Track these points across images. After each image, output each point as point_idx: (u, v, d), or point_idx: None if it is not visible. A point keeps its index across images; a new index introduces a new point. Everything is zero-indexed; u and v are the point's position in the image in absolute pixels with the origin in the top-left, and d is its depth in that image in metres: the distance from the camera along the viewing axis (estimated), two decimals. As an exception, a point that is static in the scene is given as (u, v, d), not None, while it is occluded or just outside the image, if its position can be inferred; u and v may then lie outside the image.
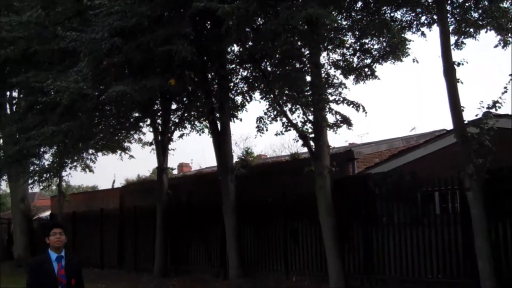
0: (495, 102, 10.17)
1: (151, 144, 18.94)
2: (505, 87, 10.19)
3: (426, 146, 13.13)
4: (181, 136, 18.37)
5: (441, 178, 11.54)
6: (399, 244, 12.00)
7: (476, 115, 10.46)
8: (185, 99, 17.12)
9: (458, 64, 10.46)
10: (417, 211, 11.99)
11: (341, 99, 12.76)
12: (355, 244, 12.81)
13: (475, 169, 9.93)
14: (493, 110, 10.33)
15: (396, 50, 13.08)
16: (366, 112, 12.75)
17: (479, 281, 10.02)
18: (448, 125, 12.67)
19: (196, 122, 18.21)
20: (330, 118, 12.67)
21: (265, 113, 13.52)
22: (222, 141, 15.17)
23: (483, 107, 10.26)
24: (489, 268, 9.78)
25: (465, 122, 10.39)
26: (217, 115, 15.15)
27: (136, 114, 17.64)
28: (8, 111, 22.85)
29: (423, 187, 11.95)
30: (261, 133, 13.61)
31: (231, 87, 15.42)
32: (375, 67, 13.29)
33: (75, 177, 79.28)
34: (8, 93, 22.86)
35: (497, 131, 10.45)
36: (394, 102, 67.36)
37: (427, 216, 11.77)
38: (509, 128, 11.33)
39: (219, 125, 15.38)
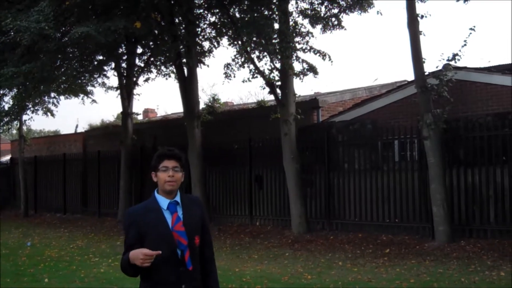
0: (455, 55, 10.54)
1: (117, 89, 18.61)
2: (465, 41, 10.53)
3: (387, 96, 13.45)
4: (146, 80, 18.21)
5: (401, 127, 11.94)
6: (359, 189, 12.47)
7: (437, 67, 10.86)
8: (151, 43, 16.85)
9: (422, 17, 10.69)
10: (377, 158, 12.42)
11: (308, 47, 12.89)
12: (317, 190, 13.23)
13: (433, 119, 10.34)
14: (452, 63, 10.69)
15: (362, 0, 13.15)
16: (332, 61, 12.95)
17: (433, 225, 10.62)
18: (409, 76, 12.98)
19: (163, 67, 17.99)
20: (297, 66, 12.84)
21: (233, 60, 13.51)
22: (188, 87, 15.11)
23: (444, 59, 10.63)
24: (443, 213, 10.34)
25: (426, 73, 10.73)
26: (184, 60, 15.02)
27: (100, 57, 17.30)
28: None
29: (383, 135, 12.34)
30: (229, 79, 13.63)
31: (199, 32, 15.26)
32: (342, 17, 13.39)
33: (37, 122, 77.44)
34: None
35: (455, 83, 10.85)
36: (359, 53, 67.76)
37: (386, 163, 12.21)
38: (467, 80, 11.72)
39: (185, 70, 15.28)
